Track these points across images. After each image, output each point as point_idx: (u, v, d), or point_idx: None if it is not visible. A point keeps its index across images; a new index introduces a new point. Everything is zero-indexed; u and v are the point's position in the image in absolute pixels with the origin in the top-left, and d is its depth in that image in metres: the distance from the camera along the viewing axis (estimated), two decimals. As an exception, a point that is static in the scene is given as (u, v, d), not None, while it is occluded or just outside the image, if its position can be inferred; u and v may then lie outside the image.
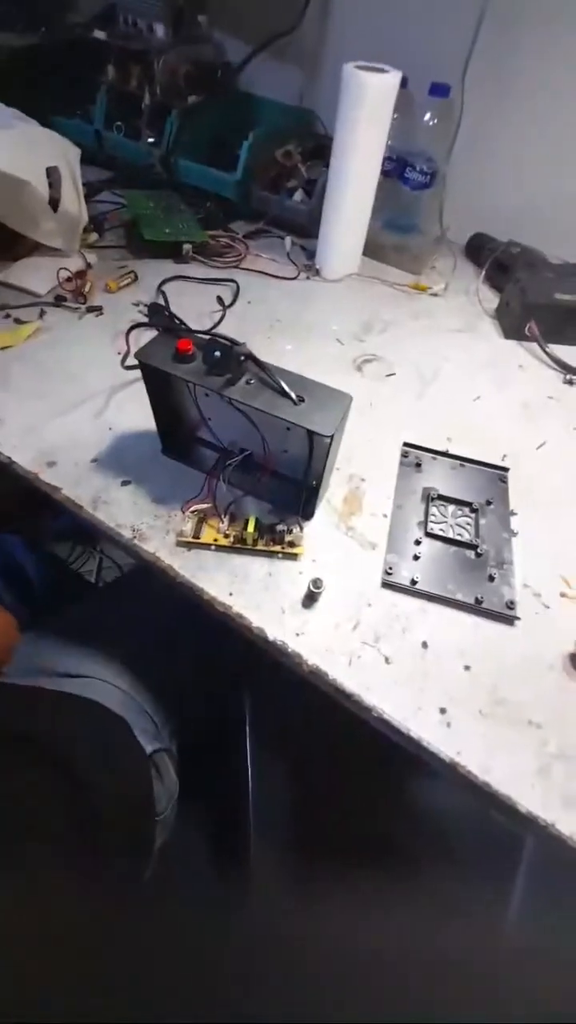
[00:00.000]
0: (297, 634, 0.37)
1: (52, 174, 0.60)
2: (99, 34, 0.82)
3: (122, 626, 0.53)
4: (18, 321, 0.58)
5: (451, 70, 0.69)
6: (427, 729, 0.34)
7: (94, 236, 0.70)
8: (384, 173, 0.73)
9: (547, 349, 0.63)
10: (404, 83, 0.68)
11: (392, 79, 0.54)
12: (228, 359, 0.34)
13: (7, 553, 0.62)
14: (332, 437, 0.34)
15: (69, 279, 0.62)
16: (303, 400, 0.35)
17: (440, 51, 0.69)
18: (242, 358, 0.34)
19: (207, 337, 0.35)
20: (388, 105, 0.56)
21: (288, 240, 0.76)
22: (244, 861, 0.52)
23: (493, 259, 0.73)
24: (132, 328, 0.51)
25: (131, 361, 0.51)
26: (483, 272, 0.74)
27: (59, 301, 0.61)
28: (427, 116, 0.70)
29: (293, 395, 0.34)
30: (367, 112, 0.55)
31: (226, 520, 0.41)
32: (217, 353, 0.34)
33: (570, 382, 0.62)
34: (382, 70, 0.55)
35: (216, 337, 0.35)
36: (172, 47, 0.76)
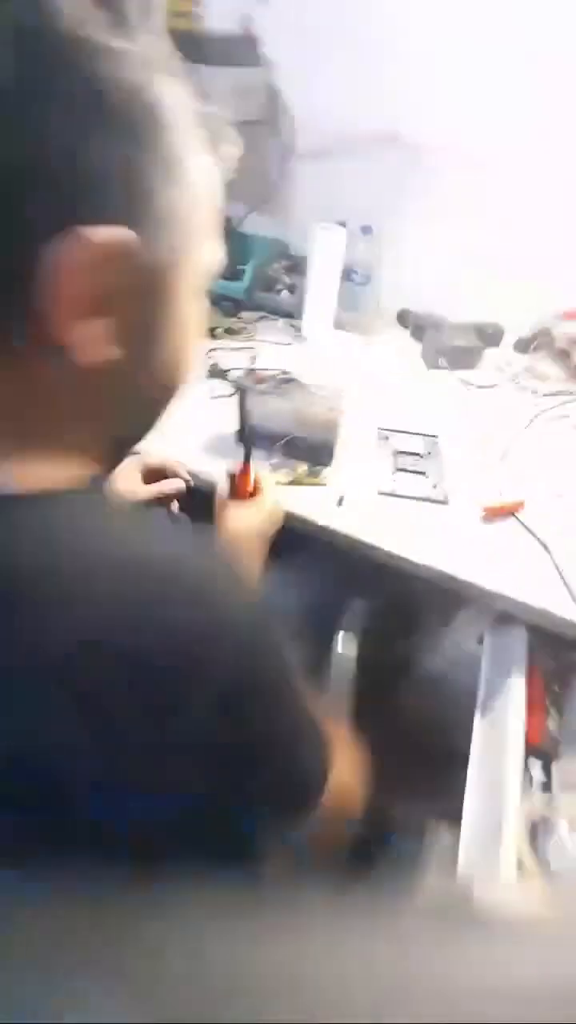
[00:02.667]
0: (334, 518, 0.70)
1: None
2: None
3: None
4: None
5: (372, 215, 1.13)
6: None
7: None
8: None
9: (454, 372, 1.03)
10: (344, 225, 1.11)
11: (340, 234, 0.96)
12: (284, 380, 0.69)
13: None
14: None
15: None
16: (324, 397, 0.70)
17: (364, 203, 1.13)
18: (290, 379, 0.69)
19: (275, 372, 0.70)
20: (340, 247, 0.98)
21: (281, 321, 1.16)
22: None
23: (413, 323, 1.14)
24: (227, 372, 0.86)
25: (214, 395, 0.86)
26: (409, 331, 1.15)
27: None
28: (362, 245, 1.13)
29: (321, 395, 0.69)
30: (328, 253, 0.97)
31: (282, 472, 0.74)
32: (279, 376, 0.69)
33: (468, 387, 1.00)
34: (333, 228, 0.97)
35: (277, 370, 0.70)
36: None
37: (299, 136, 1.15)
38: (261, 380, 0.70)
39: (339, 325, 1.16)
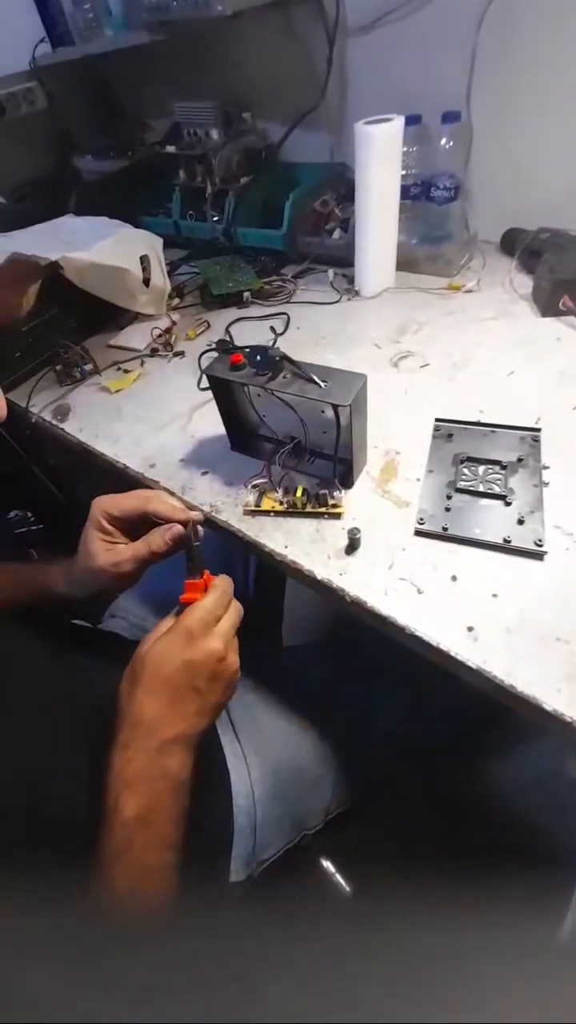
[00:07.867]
0: (340, 574, 0.45)
1: (143, 260, 0.79)
2: (170, 148, 1.05)
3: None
4: (125, 371, 0.76)
5: (457, 97, 0.78)
6: (455, 643, 0.39)
7: (176, 300, 0.89)
8: (412, 197, 0.83)
9: (583, 318, 0.66)
10: (419, 120, 0.78)
11: (394, 126, 0.65)
12: (267, 361, 0.45)
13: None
14: (350, 406, 0.43)
15: (160, 335, 0.79)
16: (327, 382, 0.44)
17: (445, 84, 0.78)
18: (277, 358, 0.45)
19: (250, 348, 0.47)
20: (395, 147, 0.67)
21: (331, 272, 0.88)
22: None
23: (524, 247, 0.77)
24: (202, 354, 0.65)
25: (204, 384, 0.65)
26: (514, 261, 0.78)
27: (153, 352, 0.78)
28: (444, 141, 0.79)
29: (318, 380, 0.44)
30: (376, 156, 0.66)
31: (280, 491, 0.51)
32: (258, 357, 0.45)
33: (610, 344, 0.63)
34: (388, 119, 0.65)
35: (256, 346, 0.46)
36: (224, 144, 0.95)
37: (349, 5, 0.82)
38: (237, 363, 0.47)
39: (411, 265, 0.84)
